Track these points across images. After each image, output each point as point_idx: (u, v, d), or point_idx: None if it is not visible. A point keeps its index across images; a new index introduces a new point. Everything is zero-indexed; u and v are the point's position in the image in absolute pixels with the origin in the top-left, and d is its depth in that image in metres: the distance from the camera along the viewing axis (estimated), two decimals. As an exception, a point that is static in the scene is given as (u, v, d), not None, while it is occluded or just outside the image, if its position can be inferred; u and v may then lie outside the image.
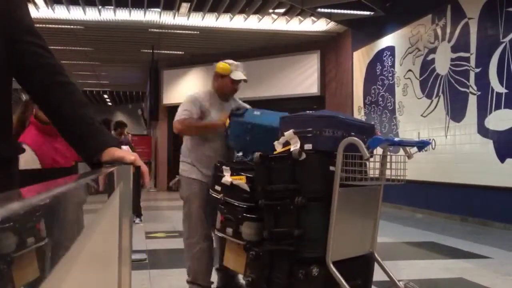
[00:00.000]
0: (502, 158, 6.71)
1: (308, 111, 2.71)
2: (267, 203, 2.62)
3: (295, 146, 2.51)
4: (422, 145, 2.60)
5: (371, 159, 2.50)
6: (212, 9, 10.44)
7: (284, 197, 2.53)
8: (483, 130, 7.06)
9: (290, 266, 2.52)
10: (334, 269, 2.36)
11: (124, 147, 6.02)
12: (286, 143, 2.59)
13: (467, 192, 7.44)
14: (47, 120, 1.95)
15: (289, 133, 2.57)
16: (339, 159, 2.38)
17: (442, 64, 8.05)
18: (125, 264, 1.24)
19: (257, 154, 2.71)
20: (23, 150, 1.38)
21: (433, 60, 8.32)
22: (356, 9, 9.93)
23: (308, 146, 2.49)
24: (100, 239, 1.05)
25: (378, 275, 2.73)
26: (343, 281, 2.33)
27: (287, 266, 2.53)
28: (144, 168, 1.32)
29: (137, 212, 7.31)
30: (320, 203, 2.47)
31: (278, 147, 2.64)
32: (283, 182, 2.56)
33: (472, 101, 7.28)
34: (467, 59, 7.43)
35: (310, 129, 2.49)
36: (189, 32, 11.80)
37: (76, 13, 10.49)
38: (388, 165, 2.55)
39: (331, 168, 2.44)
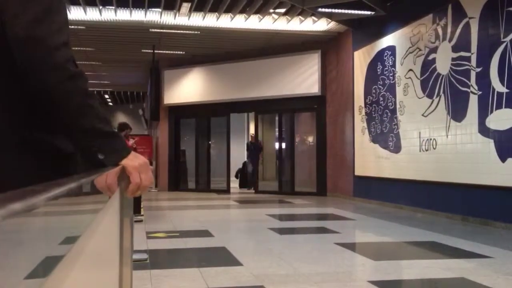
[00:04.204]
0: (503, 158, 6.71)
1: None
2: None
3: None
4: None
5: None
6: (213, 9, 10.44)
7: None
8: (484, 130, 7.05)
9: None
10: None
11: None
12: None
13: (468, 192, 7.43)
14: None
15: None
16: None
17: (443, 63, 8.05)
18: (126, 264, 1.25)
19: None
20: None
21: (434, 60, 8.32)
22: (357, 9, 9.93)
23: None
24: (101, 239, 1.05)
25: (379, 275, 2.72)
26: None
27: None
28: (130, 169, 1.16)
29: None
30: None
31: None
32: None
33: (473, 101, 7.28)
34: (468, 59, 7.42)
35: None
36: (190, 32, 11.81)
37: (77, 13, 10.49)
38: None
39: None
